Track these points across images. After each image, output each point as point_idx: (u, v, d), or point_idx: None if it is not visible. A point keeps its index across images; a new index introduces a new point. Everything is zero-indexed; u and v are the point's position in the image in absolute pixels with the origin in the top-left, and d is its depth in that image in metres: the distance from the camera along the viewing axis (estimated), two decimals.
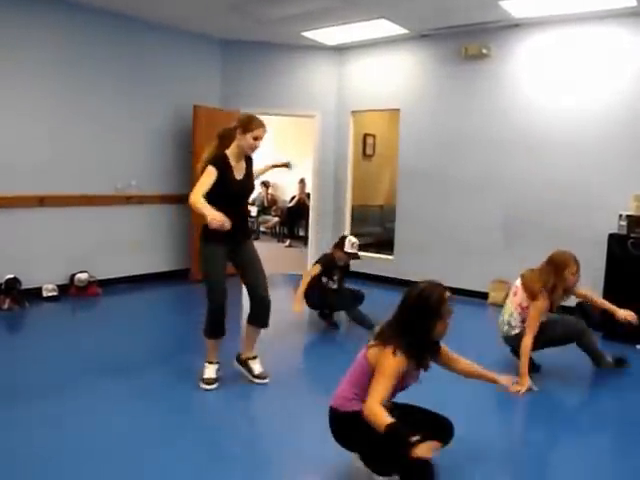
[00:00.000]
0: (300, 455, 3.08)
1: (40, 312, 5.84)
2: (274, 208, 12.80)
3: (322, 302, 5.59)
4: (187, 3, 6.32)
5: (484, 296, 6.80)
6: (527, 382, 4.00)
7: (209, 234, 3.77)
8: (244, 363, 4.19)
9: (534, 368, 4.47)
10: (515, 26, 6.51)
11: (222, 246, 3.88)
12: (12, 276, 5.91)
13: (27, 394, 3.72)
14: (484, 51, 6.70)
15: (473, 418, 3.54)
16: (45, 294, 6.21)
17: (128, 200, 7.04)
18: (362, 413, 2.43)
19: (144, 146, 7.21)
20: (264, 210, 12.91)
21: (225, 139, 3.92)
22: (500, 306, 4.76)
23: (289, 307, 5.25)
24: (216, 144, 3.93)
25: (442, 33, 7.02)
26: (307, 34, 7.33)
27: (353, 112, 8.13)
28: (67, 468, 2.82)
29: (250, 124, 3.82)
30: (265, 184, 12.79)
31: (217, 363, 4.03)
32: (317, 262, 5.52)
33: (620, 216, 5.64)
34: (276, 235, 12.66)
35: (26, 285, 6.02)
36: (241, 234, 3.99)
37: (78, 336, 5.12)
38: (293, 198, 12.40)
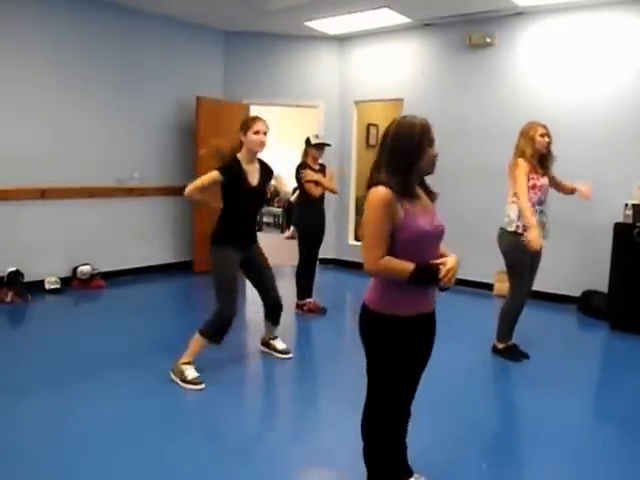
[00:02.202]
0: (305, 448, 3.08)
1: (43, 305, 5.83)
2: (277, 199, 12.77)
3: (318, 220, 5.74)
4: None
5: (489, 287, 6.78)
6: (536, 234, 4.10)
7: (222, 239, 3.87)
8: (267, 344, 4.52)
9: (523, 355, 4.55)
10: (519, 14, 6.44)
11: (235, 251, 3.92)
12: (14, 269, 5.91)
13: (27, 388, 3.70)
14: (488, 40, 6.64)
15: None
16: (48, 287, 6.20)
17: (130, 192, 7.02)
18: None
19: (146, 138, 7.18)
20: (267, 202, 12.86)
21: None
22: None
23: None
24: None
25: (445, 22, 6.95)
26: (310, 24, 7.26)
27: (356, 102, 8.08)
28: (68, 461, 2.81)
29: (247, 122, 3.94)
30: None
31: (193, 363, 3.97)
32: (297, 177, 5.65)
33: (626, 205, 5.59)
34: (278, 226, 12.65)
35: (28, 278, 6.02)
36: (250, 238, 4.08)
37: (80, 330, 5.10)
38: (296, 189, 12.27)
